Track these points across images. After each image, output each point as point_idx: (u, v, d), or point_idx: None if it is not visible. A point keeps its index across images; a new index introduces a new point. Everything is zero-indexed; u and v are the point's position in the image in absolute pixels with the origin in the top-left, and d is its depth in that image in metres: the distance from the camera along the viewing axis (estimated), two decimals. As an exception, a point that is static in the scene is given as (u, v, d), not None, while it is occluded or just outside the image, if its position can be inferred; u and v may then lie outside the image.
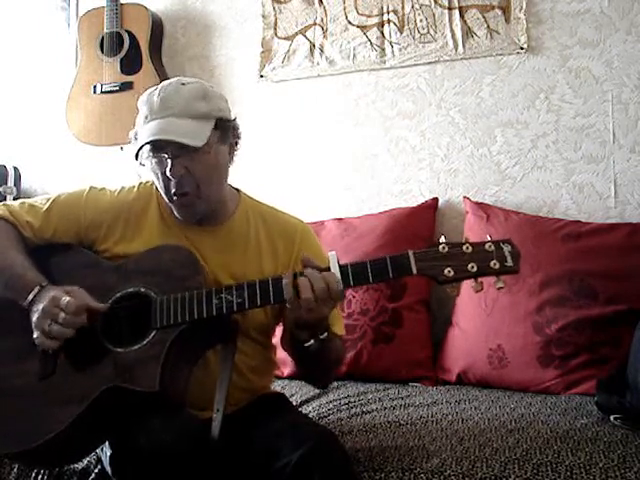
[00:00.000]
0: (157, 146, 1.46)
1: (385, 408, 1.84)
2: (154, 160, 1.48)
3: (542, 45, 2.38)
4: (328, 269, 1.35)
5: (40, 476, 1.64)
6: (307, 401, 1.94)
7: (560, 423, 1.65)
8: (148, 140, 1.45)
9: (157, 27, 2.82)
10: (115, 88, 2.76)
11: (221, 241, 1.57)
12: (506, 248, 1.31)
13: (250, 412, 1.55)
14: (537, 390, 2.00)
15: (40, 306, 1.41)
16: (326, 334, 1.41)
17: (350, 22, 2.61)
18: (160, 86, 1.50)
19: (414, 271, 1.32)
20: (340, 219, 2.47)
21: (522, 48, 2.39)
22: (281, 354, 1.66)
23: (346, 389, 2.06)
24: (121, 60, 2.77)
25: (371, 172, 2.58)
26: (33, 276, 1.48)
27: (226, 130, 1.53)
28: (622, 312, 1.98)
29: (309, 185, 2.66)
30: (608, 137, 2.30)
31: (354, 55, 2.61)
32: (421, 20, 2.52)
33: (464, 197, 2.41)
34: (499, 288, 1.32)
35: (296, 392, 2.00)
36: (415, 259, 1.32)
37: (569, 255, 2.09)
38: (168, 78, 2.76)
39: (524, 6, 2.38)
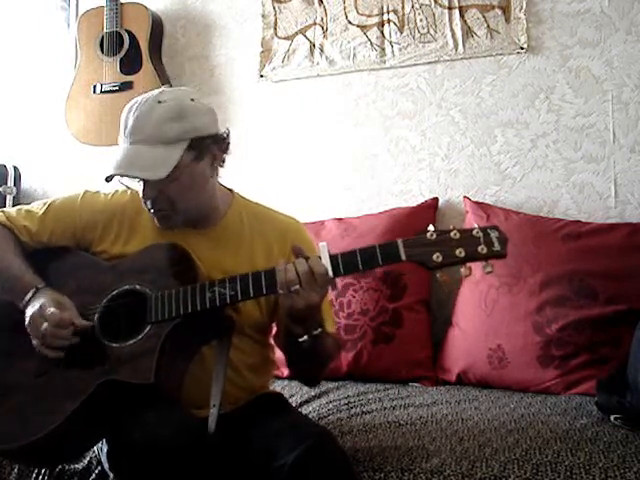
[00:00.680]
0: (124, 174, 1.49)
1: (385, 408, 1.84)
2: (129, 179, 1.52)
3: (542, 45, 2.38)
4: (319, 258, 1.37)
5: (40, 476, 1.64)
6: (307, 401, 1.94)
7: (560, 423, 1.65)
8: (112, 174, 1.46)
9: (157, 27, 2.82)
10: (115, 88, 2.76)
11: (214, 241, 1.58)
12: (493, 234, 1.32)
13: (249, 411, 1.55)
14: (537, 390, 2.00)
15: (30, 312, 1.47)
16: (320, 330, 1.43)
17: (350, 22, 2.61)
18: (139, 101, 1.48)
19: (403, 257, 1.33)
20: (340, 219, 2.46)
21: (522, 48, 2.39)
22: (281, 355, 1.66)
23: (346, 389, 2.06)
24: (121, 60, 2.77)
25: (371, 172, 2.58)
26: (30, 278, 1.52)
27: (203, 148, 1.50)
28: (622, 312, 1.98)
29: (309, 185, 2.66)
30: (608, 137, 2.30)
31: (354, 55, 2.61)
32: (421, 20, 2.52)
33: (464, 197, 2.41)
34: (487, 272, 1.33)
35: (296, 392, 2.00)
36: (404, 246, 1.33)
37: (569, 255, 2.09)
38: (168, 78, 2.80)
39: (524, 6, 2.38)
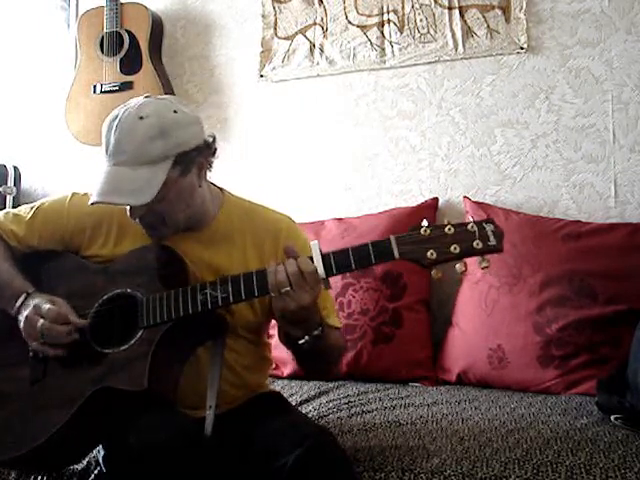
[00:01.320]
0: (108, 202, 1.44)
1: (385, 408, 1.84)
2: None
3: (542, 45, 2.38)
4: (310, 258, 1.35)
5: (40, 477, 1.64)
6: (307, 401, 1.94)
7: (560, 423, 1.65)
8: (96, 200, 1.42)
9: (157, 27, 2.82)
10: (115, 88, 2.76)
11: (206, 242, 1.56)
12: (489, 228, 1.29)
13: (248, 411, 1.55)
14: (537, 390, 2.00)
15: (25, 314, 1.46)
16: (320, 330, 1.41)
17: (350, 22, 2.61)
18: (119, 117, 1.42)
19: (396, 255, 1.31)
20: (340, 219, 2.46)
21: (522, 48, 2.39)
22: (280, 353, 1.66)
23: (346, 389, 2.06)
24: (121, 60, 2.77)
25: (371, 172, 2.58)
26: (20, 284, 1.51)
27: (189, 161, 1.46)
28: (622, 312, 1.98)
29: (309, 185, 2.66)
30: (608, 137, 2.30)
31: (354, 55, 2.60)
32: (421, 20, 2.52)
33: (464, 197, 2.41)
34: (484, 268, 1.30)
35: (296, 392, 2.00)
36: (397, 243, 1.31)
37: (569, 255, 2.09)
38: (168, 78, 2.80)
39: (524, 6, 2.38)
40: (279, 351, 1.67)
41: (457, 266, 1.31)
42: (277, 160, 2.71)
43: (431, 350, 2.25)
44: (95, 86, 2.79)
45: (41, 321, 1.43)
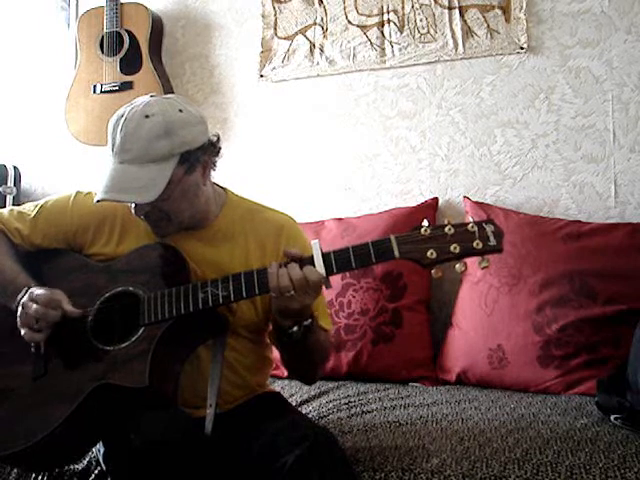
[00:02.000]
0: (114, 200, 1.47)
1: (385, 408, 1.84)
2: None
3: (542, 45, 2.38)
4: (311, 257, 1.36)
5: (40, 476, 1.64)
6: (307, 401, 1.94)
7: (560, 423, 1.65)
8: (102, 198, 1.44)
9: (157, 27, 2.82)
10: (115, 88, 2.76)
11: (208, 241, 1.57)
12: (489, 228, 1.30)
13: (248, 411, 1.55)
14: (537, 390, 2.00)
15: (21, 302, 1.47)
16: (310, 321, 1.43)
17: (350, 22, 2.61)
18: (125, 115, 1.44)
19: (396, 255, 1.32)
20: (340, 219, 2.46)
21: (522, 48, 2.39)
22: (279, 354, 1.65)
23: (346, 389, 2.06)
24: (121, 60, 2.77)
25: (371, 172, 2.58)
26: (23, 280, 1.52)
27: (194, 160, 1.48)
28: (622, 312, 1.98)
29: (309, 185, 2.66)
30: (608, 137, 2.30)
31: (354, 55, 2.60)
32: (421, 20, 2.52)
33: (464, 197, 2.41)
34: (483, 268, 1.31)
35: (296, 392, 2.00)
36: (397, 242, 1.32)
37: (569, 255, 2.09)
38: (168, 78, 2.80)
39: (524, 6, 2.38)
40: (277, 350, 1.67)
41: (457, 266, 1.31)
42: (277, 160, 2.71)
43: (431, 350, 2.25)
44: (95, 86, 2.79)
45: (34, 306, 1.43)
